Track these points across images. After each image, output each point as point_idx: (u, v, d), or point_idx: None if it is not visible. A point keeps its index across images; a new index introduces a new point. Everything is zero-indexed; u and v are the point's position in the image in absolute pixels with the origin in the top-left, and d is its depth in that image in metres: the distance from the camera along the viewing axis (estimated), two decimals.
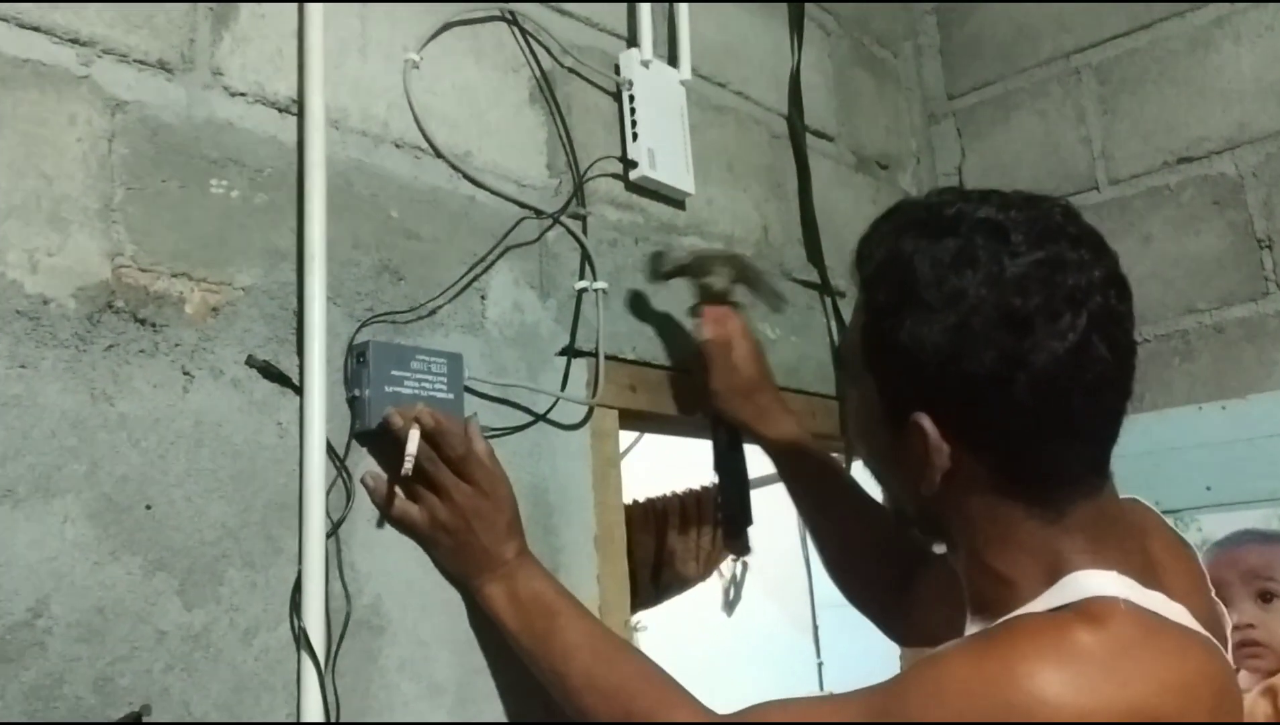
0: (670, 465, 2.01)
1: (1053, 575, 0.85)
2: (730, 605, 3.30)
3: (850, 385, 0.99)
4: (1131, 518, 0.93)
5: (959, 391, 0.84)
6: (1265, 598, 1.60)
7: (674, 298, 1.44)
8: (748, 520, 1.37)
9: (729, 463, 1.37)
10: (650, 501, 1.90)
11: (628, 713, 0.98)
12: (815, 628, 3.32)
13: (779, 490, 1.42)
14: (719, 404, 1.35)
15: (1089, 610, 0.82)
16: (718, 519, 1.44)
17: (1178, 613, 0.85)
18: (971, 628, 0.92)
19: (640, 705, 0.97)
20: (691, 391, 1.39)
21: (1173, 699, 0.79)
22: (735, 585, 3.31)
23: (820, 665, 3.29)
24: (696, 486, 1.97)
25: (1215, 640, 0.86)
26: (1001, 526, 0.88)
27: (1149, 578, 0.87)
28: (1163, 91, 1.80)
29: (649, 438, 1.68)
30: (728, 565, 3.11)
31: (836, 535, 1.34)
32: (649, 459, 1.79)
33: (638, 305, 1.39)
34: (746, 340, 1.34)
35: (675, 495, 1.90)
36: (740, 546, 1.38)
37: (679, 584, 1.91)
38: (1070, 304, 0.82)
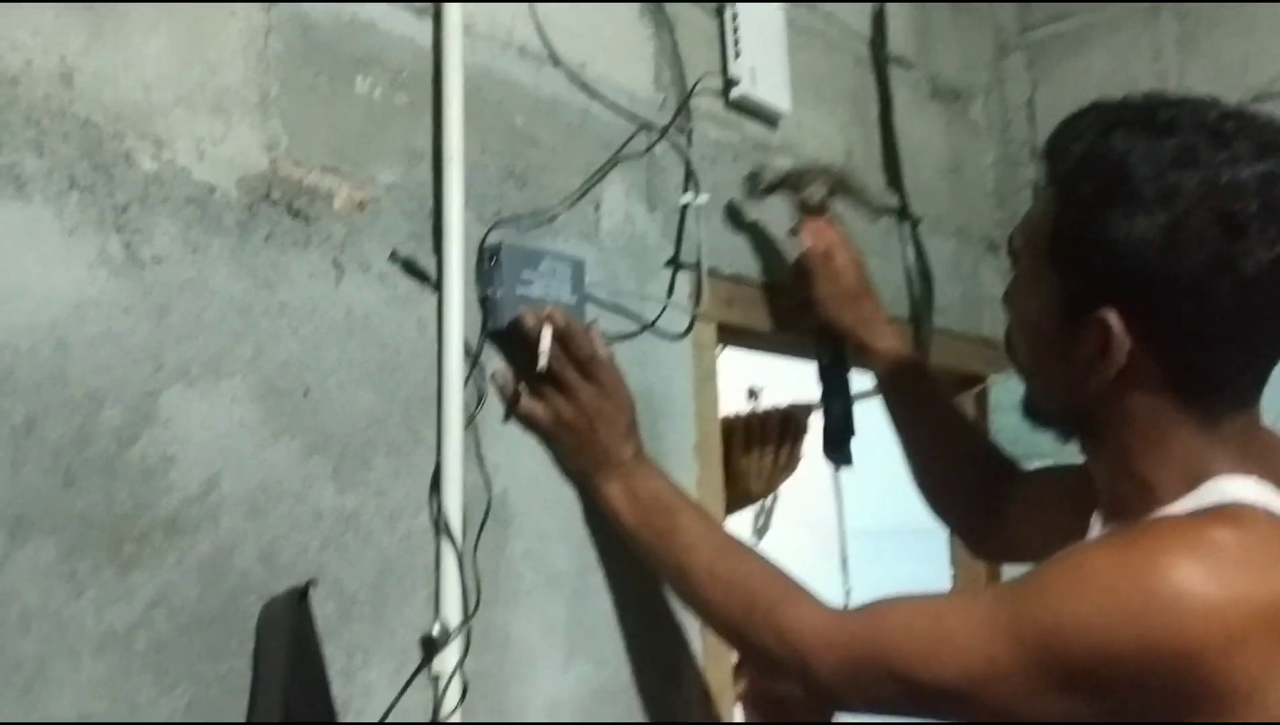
0: (740, 386, 2.04)
1: (1195, 481, 0.89)
2: (760, 532, 3.35)
3: (1021, 278, 1.01)
4: (1272, 436, 0.96)
5: (1157, 289, 0.87)
6: None
7: (769, 214, 1.47)
8: (851, 432, 1.40)
9: (833, 376, 1.41)
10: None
11: (751, 604, 1.02)
12: (844, 556, 3.39)
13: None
14: (822, 313, 1.37)
15: (1227, 512, 0.86)
16: (822, 430, 1.47)
17: None
18: (1102, 532, 0.96)
19: (764, 598, 1.01)
20: (788, 308, 1.42)
21: None
22: (765, 512, 3.36)
23: (849, 593, 3.35)
24: (762, 408, 2.00)
25: None
26: (1157, 429, 0.91)
27: None
28: (1240, 30, 1.81)
29: (723, 359, 1.71)
30: None
31: (930, 447, 1.37)
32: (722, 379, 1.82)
33: (734, 219, 1.42)
34: (847, 249, 1.37)
35: (740, 415, 1.93)
36: (842, 458, 1.41)
37: (743, 501, 1.95)
38: None
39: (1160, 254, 0.86)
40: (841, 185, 1.37)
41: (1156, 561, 0.83)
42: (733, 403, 1.90)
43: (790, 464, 2.00)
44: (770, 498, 3.44)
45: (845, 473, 3.33)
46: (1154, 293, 0.88)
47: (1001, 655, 0.87)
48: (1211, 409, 0.91)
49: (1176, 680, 0.82)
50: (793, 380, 2.05)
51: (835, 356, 1.39)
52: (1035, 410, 1.06)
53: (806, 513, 3.45)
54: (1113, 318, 0.89)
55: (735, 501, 1.96)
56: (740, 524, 3.28)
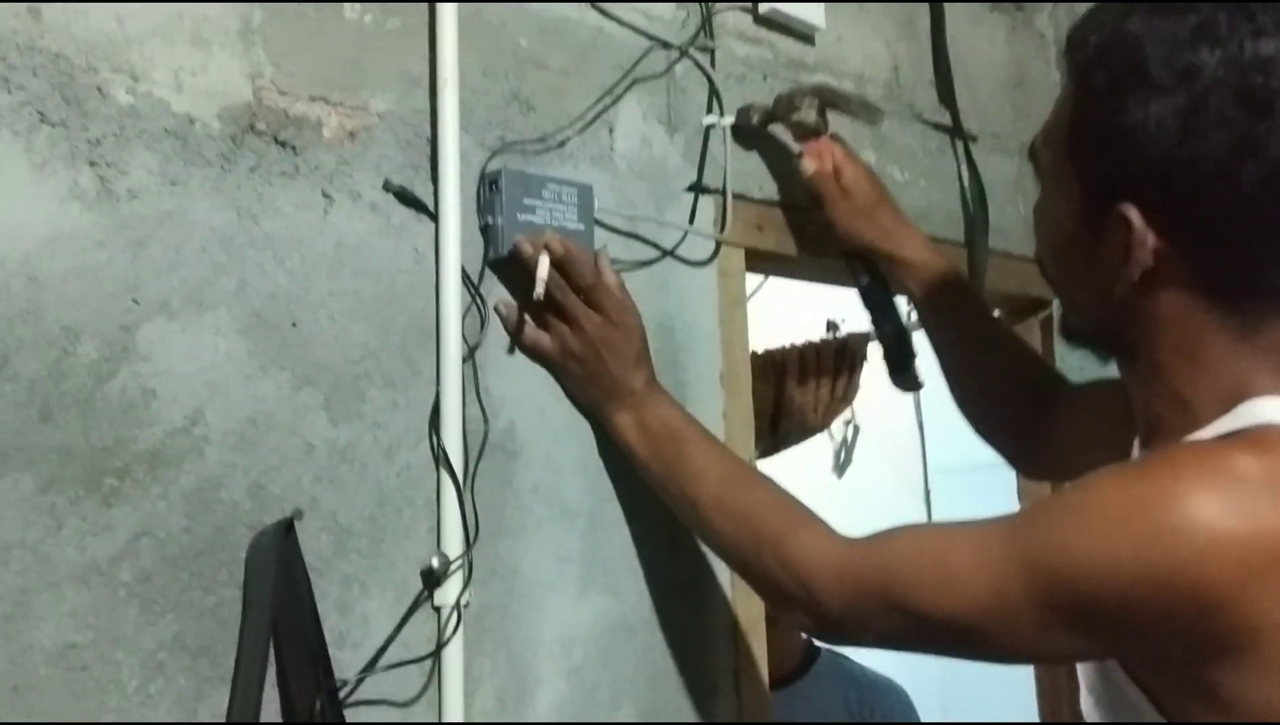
0: (790, 315, 1.99)
1: (1232, 399, 0.83)
2: (841, 467, 3.31)
3: (1044, 180, 0.95)
4: None
5: (1178, 179, 0.81)
6: None
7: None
8: (910, 352, 1.34)
9: (876, 298, 1.34)
10: (769, 352, 1.89)
11: (757, 535, 0.98)
12: (927, 491, 3.32)
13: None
14: (841, 235, 1.31)
15: (1254, 437, 0.80)
16: (881, 357, 1.41)
17: None
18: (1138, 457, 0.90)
19: (770, 527, 0.98)
20: (818, 232, 1.36)
21: None
22: (846, 447, 3.32)
23: None
24: (816, 338, 1.95)
25: None
26: (1190, 338, 0.85)
27: None
28: None
29: (772, 287, 1.67)
30: (839, 428, 3.09)
31: (969, 359, 1.30)
32: (771, 308, 1.77)
33: (743, 137, 1.36)
34: (852, 165, 1.30)
35: (794, 347, 1.89)
36: (909, 381, 1.35)
37: (798, 434, 1.91)
38: None
39: (1179, 140, 0.80)
40: (830, 100, 1.30)
41: (1169, 490, 0.77)
42: (773, 334, 1.86)
43: (848, 395, 1.96)
44: (852, 433, 3.40)
45: (927, 405, 3.20)
46: (1175, 183, 0.82)
47: (1010, 589, 0.83)
48: (1249, 316, 0.85)
49: (1191, 618, 0.76)
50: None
51: (871, 276, 1.33)
52: (1069, 327, 1.00)
53: (889, 449, 3.40)
54: (1133, 213, 0.83)
55: (791, 434, 1.93)
56: (819, 458, 3.25)
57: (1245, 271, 0.84)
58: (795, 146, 1.31)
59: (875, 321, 1.37)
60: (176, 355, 0.88)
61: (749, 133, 1.33)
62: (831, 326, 2.15)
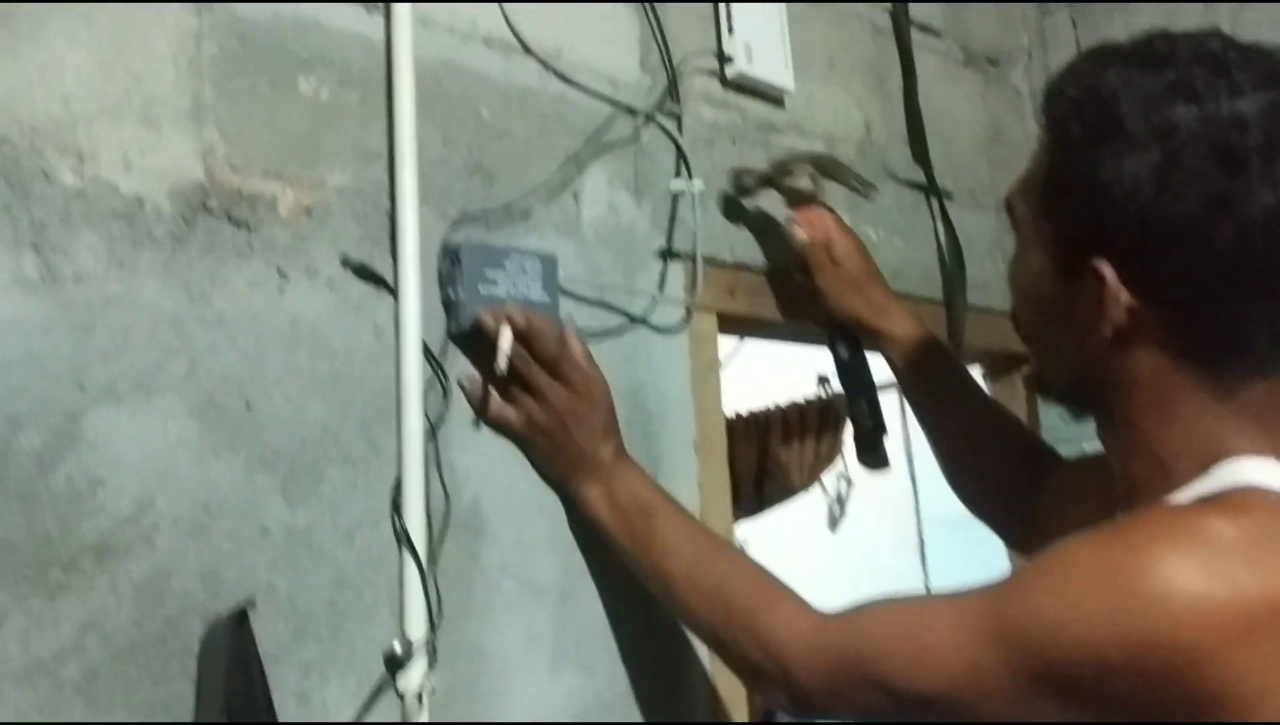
0: (772, 375, 1.98)
1: (1209, 460, 0.81)
2: (835, 522, 3.27)
3: (1019, 236, 0.94)
4: None
5: (1152, 234, 0.80)
6: None
7: (771, 200, 1.39)
8: (881, 430, 1.31)
9: (852, 371, 1.32)
10: (752, 414, 1.88)
11: (730, 610, 0.96)
12: (922, 545, 3.28)
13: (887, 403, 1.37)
14: (829, 305, 1.29)
15: (1232, 500, 0.78)
16: (852, 432, 1.38)
17: None
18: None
19: (741, 602, 0.96)
20: (798, 297, 1.34)
21: None
22: (840, 502, 3.28)
23: (927, 584, 3.25)
24: (799, 398, 1.94)
25: None
26: (1167, 398, 0.84)
27: None
28: None
29: (750, 348, 1.65)
30: (832, 482, 3.06)
31: (957, 434, 1.28)
32: (750, 369, 1.76)
33: (730, 209, 1.35)
34: (845, 236, 1.29)
35: (778, 408, 1.87)
36: (877, 460, 1.32)
37: (782, 494, 1.89)
38: None
39: (1153, 195, 0.79)
40: (825, 169, 1.29)
41: (1141, 555, 0.76)
42: (754, 395, 1.84)
43: (831, 454, 1.94)
44: (845, 487, 3.37)
45: (919, 457, 3.19)
46: (1149, 239, 0.81)
47: (985, 661, 0.81)
48: (1225, 375, 0.83)
49: (1170, 685, 0.74)
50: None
51: (851, 349, 1.31)
52: (1045, 384, 0.99)
53: (883, 502, 3.36)
54: (1106, 268, 0.82)
55: (776, 494, 1.91)
56: (814, 514, 3.22)
57: (1220, 331, 0.83)
58: (788, 213, 1.30)
59: (850, 396, 1.35)
60: (125, 442, 0.86)
61: (733, 207, 1.32)
62: (823, 381, 2.13)
